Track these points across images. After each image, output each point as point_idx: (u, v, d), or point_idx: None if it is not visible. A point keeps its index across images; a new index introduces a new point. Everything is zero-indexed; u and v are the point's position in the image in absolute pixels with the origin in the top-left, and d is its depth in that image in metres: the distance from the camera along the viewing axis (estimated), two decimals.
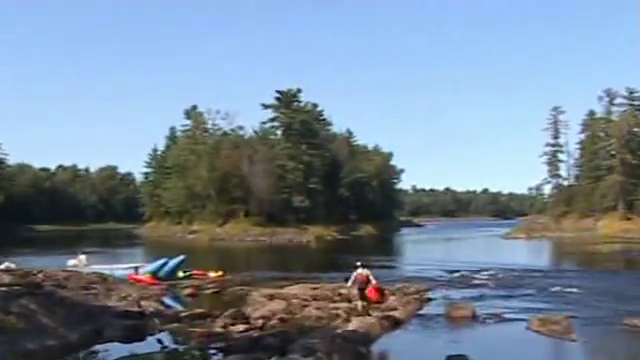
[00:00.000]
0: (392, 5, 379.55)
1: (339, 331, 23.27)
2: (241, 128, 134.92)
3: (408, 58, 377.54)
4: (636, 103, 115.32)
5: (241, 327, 24.26)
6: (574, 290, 37.01)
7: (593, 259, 68.77)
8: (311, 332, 22.92)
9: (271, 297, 31.24)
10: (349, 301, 29.27)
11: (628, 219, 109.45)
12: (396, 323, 26.53)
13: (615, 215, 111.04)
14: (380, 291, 28.43)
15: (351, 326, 24.48)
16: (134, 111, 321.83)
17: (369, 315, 26.74)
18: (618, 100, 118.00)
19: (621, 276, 48.87)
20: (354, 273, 27.84)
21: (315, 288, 34.20)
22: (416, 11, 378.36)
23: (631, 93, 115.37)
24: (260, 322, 25.18)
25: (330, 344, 20.39)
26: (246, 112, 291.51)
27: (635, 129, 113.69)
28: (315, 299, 30.76)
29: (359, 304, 27.51)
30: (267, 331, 23.62)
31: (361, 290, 27.51)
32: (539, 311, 28.80)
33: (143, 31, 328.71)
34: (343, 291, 31.46)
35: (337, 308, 27.96)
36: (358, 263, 28.33)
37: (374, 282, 27.84)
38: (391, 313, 27.55)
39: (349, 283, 28.24)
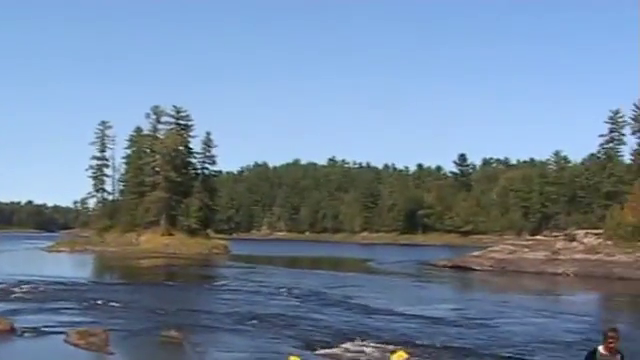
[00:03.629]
0: None
1: None
2: None
3: None
4: (181, 122, 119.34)
5: None
6: (115, 303, 37.30)
7: (135, 273, 69.94)
8: None
9: None
10: None
11: (170, 234, 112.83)
12: None
13: (158, 230, 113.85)
14: None
15: None
16: None
17: None
18: (165, 118, 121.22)
19: (161, 290, 50.23)
20: None
21: None
22: None
23: (178, 112, 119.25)
24: None
25: None
26: None
27: (180, 147, 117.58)
28: None
29: None
30: None
31: None
32: (79, 324, 28.55)
33: None
34: None
35: None
36: None
37: None
38: None
39: None
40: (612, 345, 10.89)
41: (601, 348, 10.95)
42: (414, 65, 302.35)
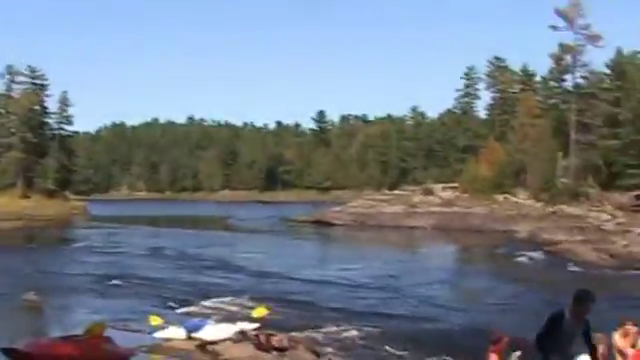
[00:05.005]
0: None
1: None
2: None
3: None
4: (37, 81, 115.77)
5: None
6: None
7: None
8: None
9: None
10: None
11: (27, 196, 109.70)
12: None
13: (14, 192, 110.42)
14: None
15: None
16: None
17: None
18: (19, 78, 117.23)
19: (19, 253, 48.96)
20: None
21: None
22: None
23: (33, 71, 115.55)
24: None
25: None
26: None
27: (35, 107, 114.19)
28: None
29: None
30: None
31: None
32: None
33: None
34: None
35: None
36: None
37: None
38: None
39: None
40: (583, 314, 9.53)
41: (567, 312, 9.55)
42: (276, 23, 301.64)
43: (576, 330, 9.61)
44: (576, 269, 39.73)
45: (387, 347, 20.53)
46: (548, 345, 9.55)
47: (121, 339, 16.33)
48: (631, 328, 11.68)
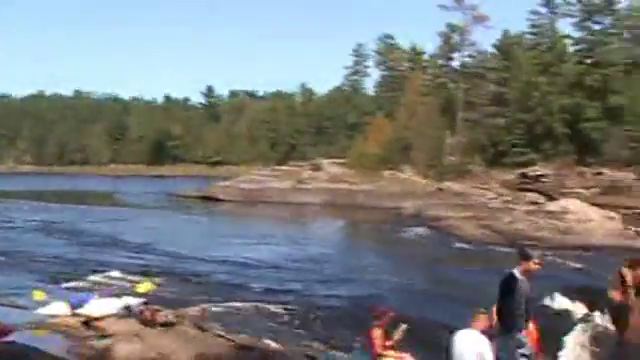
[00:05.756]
0: None
1: None
2: None
3: None
4: None
5: None
6: None
7: None
8: None
9: None
10: None
11: None
12: None
13: None
14: None
15: None
16: None
17: None
18: None
19: None
20: None
21: None
22: None
23: None
24: None
25: None
26: None
27: None
28: None
29: None
30: None
31: None
32: None
33: None
34: None
35: None
36: None
37: None
38: None
39: None
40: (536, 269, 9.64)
41: (517, 272, 9.60)
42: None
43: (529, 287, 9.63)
44: (461, 245, 40.40)
45: (275, 323, 20.42)
46: (515, 313, 9.55)
47: (2, 315, 15.79)
48: None
